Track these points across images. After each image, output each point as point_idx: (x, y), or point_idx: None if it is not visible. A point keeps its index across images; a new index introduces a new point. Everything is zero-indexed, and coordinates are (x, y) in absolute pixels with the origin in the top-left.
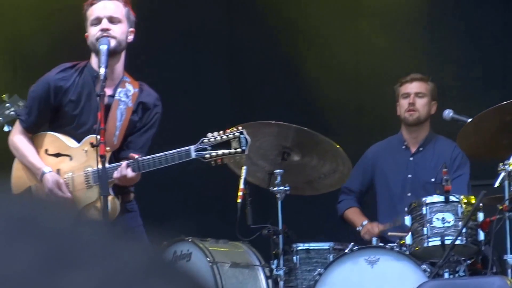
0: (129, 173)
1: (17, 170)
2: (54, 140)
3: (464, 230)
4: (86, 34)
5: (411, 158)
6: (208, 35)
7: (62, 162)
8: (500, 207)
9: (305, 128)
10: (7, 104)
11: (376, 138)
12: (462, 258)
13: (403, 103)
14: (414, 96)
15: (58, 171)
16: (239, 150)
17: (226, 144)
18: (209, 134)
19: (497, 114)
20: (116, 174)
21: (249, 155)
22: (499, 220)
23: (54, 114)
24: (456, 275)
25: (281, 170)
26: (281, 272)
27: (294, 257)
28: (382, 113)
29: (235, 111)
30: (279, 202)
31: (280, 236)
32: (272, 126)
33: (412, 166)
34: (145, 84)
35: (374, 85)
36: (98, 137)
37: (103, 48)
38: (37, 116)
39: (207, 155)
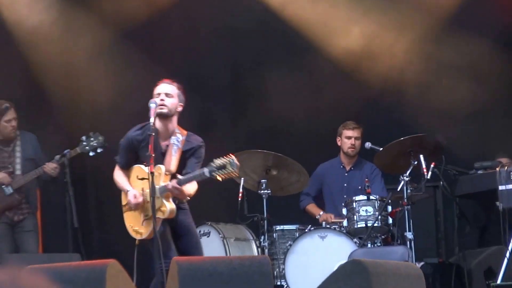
0: (175, 184)
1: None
2: (141, 170)
3: (379, 217)
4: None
5: (346, 174)
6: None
7: (145, 183)
8: (401, 203)
9: (280, 154)
10: (91, 138)
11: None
12: (379, 235)
13: (347, 142)
14: (354, 139)
15: (142, 189)
16: (235, 174)
17: (223, 166)
18: (214, 160)
19: (397, 145)
20: (168, 186)
21: (245, 171)
22: (401, 211)
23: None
24: (375, 245)
25: (265, 180)
26: (266, 244)
27: (274, 234)
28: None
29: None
30: (264, 200)
31: (265, 221)
32: (259, 153)
33: (347, 179)
34: (191, 134)
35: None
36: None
37: (152, 106)
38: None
39: (214, 174)
